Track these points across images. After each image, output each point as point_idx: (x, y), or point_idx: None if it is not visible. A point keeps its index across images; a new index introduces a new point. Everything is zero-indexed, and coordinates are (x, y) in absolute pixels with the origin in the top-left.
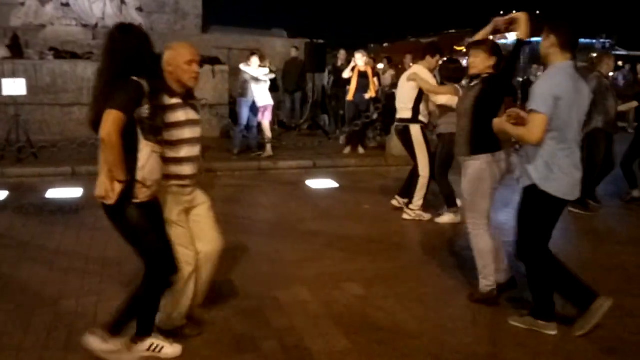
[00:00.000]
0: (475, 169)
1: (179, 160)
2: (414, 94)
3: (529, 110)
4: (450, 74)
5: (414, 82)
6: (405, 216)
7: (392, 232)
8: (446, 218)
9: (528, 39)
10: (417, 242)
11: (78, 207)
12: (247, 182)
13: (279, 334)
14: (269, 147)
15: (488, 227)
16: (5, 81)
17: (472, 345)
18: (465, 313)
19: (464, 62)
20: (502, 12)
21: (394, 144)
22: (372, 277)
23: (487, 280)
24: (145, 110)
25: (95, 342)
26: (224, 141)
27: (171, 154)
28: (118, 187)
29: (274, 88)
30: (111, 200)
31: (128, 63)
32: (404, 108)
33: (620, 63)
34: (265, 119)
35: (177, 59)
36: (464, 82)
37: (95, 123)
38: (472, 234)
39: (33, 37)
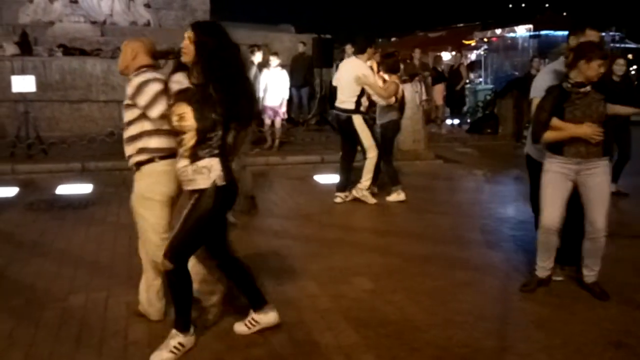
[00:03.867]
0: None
1: None
2: (358, 89)
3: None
4: (390, 68)
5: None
6: (354, 192)
7: (401, 226)
8: (394, 196)
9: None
10: (425, 236)
11: (87, 203)
12: (254, 177)
13: (288, 328)
14: (268, 137)
15: None
16: (14, 78)
17: (481, 339)
18: (474, 307)
19: (473, 57)
20: (510, 5)
21: (402, 138)
22: (380, 271)
23: None
24: None
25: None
26: None
27: None
28: None
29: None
30: None
31: None
32: (347, 101)
33: (630, 56)
34: (277, 117)
35: None
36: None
37: None
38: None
39: (42, 34)
